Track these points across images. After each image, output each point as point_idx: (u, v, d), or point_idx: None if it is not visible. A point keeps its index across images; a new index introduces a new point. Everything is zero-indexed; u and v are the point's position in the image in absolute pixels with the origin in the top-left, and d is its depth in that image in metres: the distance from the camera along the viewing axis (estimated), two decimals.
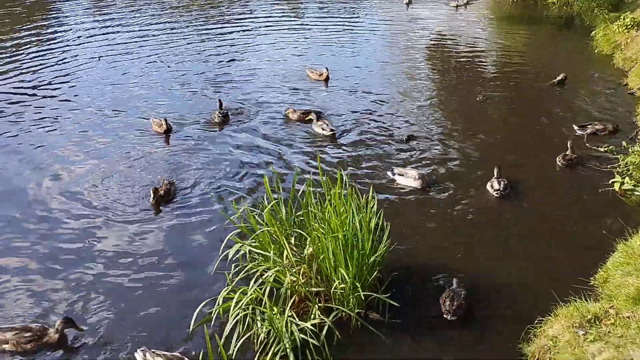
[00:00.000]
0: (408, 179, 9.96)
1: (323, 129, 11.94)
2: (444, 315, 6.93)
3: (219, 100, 13.09)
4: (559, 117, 12.95)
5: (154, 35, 19.79)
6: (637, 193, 9.26)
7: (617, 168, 9.94)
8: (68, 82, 15.33)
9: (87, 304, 7.40)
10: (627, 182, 9.38)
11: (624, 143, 10.39)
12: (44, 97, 14.31)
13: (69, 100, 14.07)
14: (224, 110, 12.89)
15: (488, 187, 9.96)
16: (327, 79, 14.91)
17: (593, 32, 18.28)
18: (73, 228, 8.99)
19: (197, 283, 7.71)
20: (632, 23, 16.55)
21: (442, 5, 23.76)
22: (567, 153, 10.61)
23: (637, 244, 7.51)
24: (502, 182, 9.87)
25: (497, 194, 9.75)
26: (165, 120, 12.11)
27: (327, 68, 15.02)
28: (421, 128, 12.39)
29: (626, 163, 9.89)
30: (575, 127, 11.95)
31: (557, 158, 10.63)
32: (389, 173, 10.29)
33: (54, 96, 14.35)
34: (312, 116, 12.34)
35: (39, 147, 11.66)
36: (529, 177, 10.34)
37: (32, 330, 6.70)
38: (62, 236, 8.81)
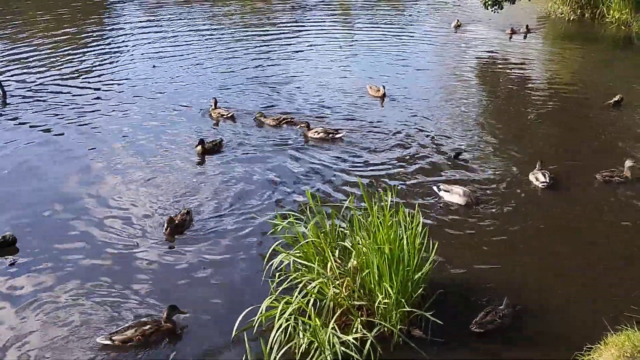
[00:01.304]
0: (454, 195, 9.86)
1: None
2: (471, 326, 6.91)
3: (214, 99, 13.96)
4: (612, 138, 12.62)
5: (201, 41, 20.23)
6: None
7: None
8: (115, 85, 15.91)
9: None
10: None
11: None
12: (88, 95, 15.03)
13: (115, 103, 14.57)
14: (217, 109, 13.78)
15: (532, 179, 10.39)
16: (383, 96, 14.82)
17: None
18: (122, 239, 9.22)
19: (239, 291, 7.80)
20: None
21: (494, 30, 22.34)
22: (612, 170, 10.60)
23: None
24: (546, 174, 10.25)
25: (543, 185, 10.08)
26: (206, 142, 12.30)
27: (384, 86, 14.95)
28: (470, 145, 12.26)
29: None
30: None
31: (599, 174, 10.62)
32: (435, 189, 10.21)
33: (99, 97, 14.93)
34: (303, 126, 12.59)
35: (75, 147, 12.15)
36: (574, 198, 10.10)
37: (150, 323, 7.03)
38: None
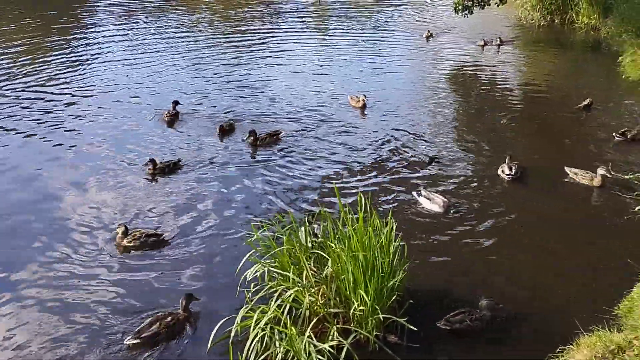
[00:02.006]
0: (434, 204, 9.90)
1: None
2: (438, 322, 7.09)
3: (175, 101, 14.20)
4: (583, 141, 12.85)
5: (176, 48, 20.17)
6: None
7: None
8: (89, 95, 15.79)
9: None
10: None
11: None
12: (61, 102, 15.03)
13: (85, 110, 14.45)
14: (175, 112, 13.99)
15: (499, 172, 10.93)
16: (364, 107, 14.73)
17: (620, 58, 18.12)
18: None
19: (215, 301, 7.76)
20: None
21: (465, 40, 22.15)
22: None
23: None
24: (512, 167, 10.69)
25: (508, 177, 10.69)
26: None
27: (365, 95, 14.87)
28: (444, 151, 12.38)
29: None
30: (615, 135, 12.55)
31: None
32: (415, 194, 10.26)
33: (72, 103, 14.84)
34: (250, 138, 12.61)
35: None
36: (551, 202, 10.25)
37: (170, 315, 7.24)
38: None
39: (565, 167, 10.97)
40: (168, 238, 9.17)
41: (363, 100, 14.68)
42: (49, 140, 12.90)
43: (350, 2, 29.99)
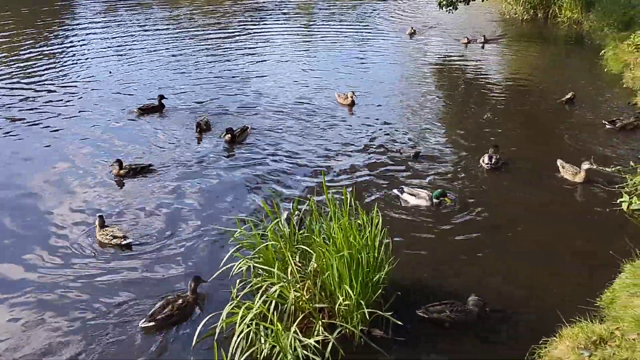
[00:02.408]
0: (420, 200, 9.94)
1: None
2: (417, 309, 7.20)
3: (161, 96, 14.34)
4: (566, 134, 12.95)
5: (163, 46, 20.05)
6: None
7: (625, 188, 9.91)
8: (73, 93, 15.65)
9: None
10: (635, 202, 9.33)
11: (632, 163, 10.35)
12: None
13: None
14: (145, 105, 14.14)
15: (481, 161, 11.21)
16: (352, 104, 14.66)
17: (602, 51, 18.29)
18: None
19: (202, 297, 7.74)
20: None
21: (449, 36, 22.15)
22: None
23: None
24: (492, 157, 10.93)
25: (487, 166, 11.02)
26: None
27: (353, 92, 14.79)
28: (429, 145, 12.43)
29: (634, 183, 9.85)
30: (605, 122, 12.91)
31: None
32: (397, 192, 10.27)
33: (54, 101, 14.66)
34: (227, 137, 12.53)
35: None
36: (536, 194, 10.33)
37: (180, 297, 7.45)
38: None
39: (558, 161, 10.99)
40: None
41: (351, 97, 14.61)
42: (25, 138, 12.80)
43: (332, 0, 29.82)
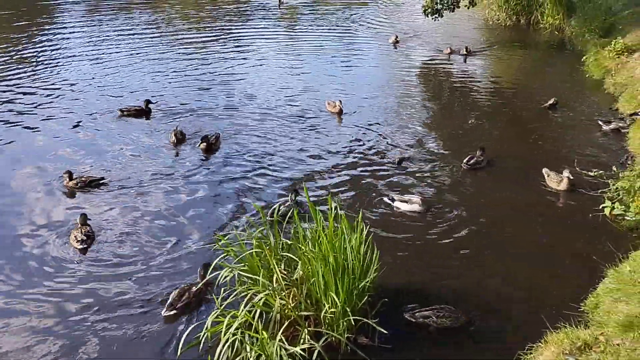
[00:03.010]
0: (413, 205, 9.92)
1: None
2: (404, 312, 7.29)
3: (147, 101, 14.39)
4: (549, 140, 13.06)
5: (143, 50, 19.93)
6: (627, 218, 9.29)
7: (608, 193, 10.00)
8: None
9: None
10: (617, 207, 9.41)
11: (614, 168, 10.45)
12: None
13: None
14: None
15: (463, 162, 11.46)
16: (340, 112, 14.44)
17: (584, 57, 18.48)
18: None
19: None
20: (622, 49, 16.76)
21: (433, 47, 21.53)
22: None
23: (627, 270, 7.53)
24: (473, 158, 11.40)
25: (464, 166, 11.32)
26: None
27: (340, 101, 14.59)
28: (413, 151, 12.46)
29: (616, 188, 9.95)
30: (601, 122, 13.24)
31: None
32: (387, 200, 10.21)
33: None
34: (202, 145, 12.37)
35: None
36: (517, 201, 10.40)
37: (193, 285, 7.78)
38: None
39: (544, 169, 10.91)
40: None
41: (339, 105, 14.45)
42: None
43: (315, 6, 29.60)
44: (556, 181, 10.60)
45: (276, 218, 7.68)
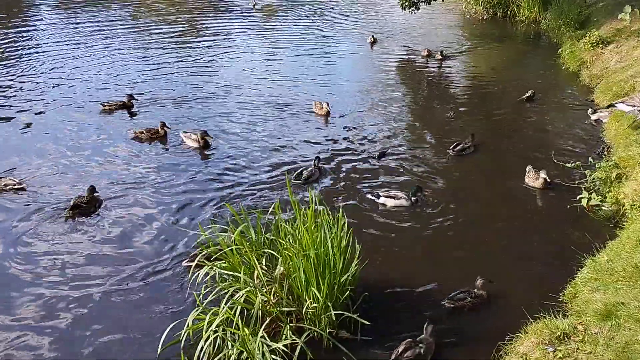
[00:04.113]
0: (400, 200, 9.92)
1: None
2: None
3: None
4: (527, 131, 13.18)
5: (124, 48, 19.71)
6: (604, 208, 9.43)
7: (585, 184, 10.12)
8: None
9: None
10: (594, 198, 9.53)
11: (590, 159, 10.57)
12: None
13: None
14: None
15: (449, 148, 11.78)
16: (327, 114, 14.09)
17: (560, 50, 18.64)
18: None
19: (165, 305, 7.61)
20: (597, 40, 16.93)
21: (410, 45, 20.98)
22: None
23: (604, 260, 7.63)
24: (459, 144, 11.69)
25: (452, 152, 11.66)
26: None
27: (327, 103, 14.18)
28: (393, 145, 12.49)
29: (593, 179, 10.08)
30: (589, 112, 13.40)
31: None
32: (371, 197, 10.16)
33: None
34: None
35: None
36: (497, 192, 10.49)
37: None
38: None
39: (528, 167, 10.71)
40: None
41: (326, 108, 14.12)
42: None
43: (289, 5, 28.84)
44: (533, 178, 10.52)
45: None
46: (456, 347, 6.94)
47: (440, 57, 19.13)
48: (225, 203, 9.61)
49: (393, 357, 6.58)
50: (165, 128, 12.71)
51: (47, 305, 7.65)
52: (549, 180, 10.30)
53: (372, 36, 21.33)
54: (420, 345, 6.64)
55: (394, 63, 19.26)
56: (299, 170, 10.77)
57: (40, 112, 14.20)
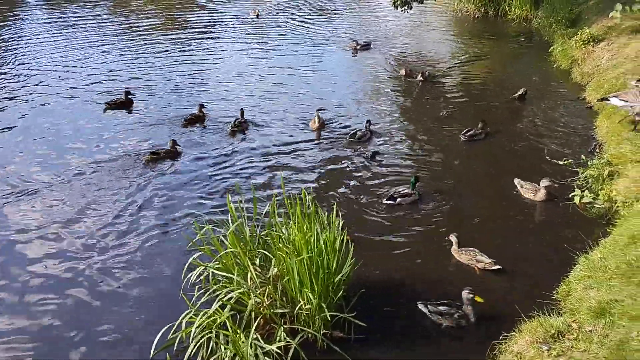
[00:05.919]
0: (412, 196, 10.04)
1: None
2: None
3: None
4: (519, 130, 13.18)
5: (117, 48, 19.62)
6: (596, 206, 9.43)
7: (577, 181, 10.13)
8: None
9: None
10: (587, 196, 9.52)
11: (582, 156, 10.59)
12: None
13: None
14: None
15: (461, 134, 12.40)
16: (321, 127, 13.43)
17: (551, 48, 18.66)
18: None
19: (158, 307, 7.56)
20: (588, 38, 16.96)
21: (398, 46, 20.62)
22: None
23: (598, 257, 7.63)
24: (472, 130, 12.26)
25: (464, 137, 12.30)
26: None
27: (318, 117, 13.39)
28: (386, 145, 12.47)
29: (585, 176, 10.09)
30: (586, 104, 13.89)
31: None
32: (387, 201, 10.01)
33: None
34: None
35: None
36: (490, 189, 10.48)
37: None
38: None
39: (515, 179, 10.52)
40: None
41: (318, 122, 13.38)
42: None
43: (286, 14, 28.20)
44: (532, 191, 10.22)
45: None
46: (451, 346, 6.92)
47: (421, 78, 17.03)
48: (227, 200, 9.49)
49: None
50: (176, 146, 12.14)
51: (37, 305, 7.58)
52: (549, 185, 9.99)
53: (356, 42, 20.52)
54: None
55: (383, 60, 19.18)
56: (354, 131, 12.54)
57: (24, 115, 14.13)
